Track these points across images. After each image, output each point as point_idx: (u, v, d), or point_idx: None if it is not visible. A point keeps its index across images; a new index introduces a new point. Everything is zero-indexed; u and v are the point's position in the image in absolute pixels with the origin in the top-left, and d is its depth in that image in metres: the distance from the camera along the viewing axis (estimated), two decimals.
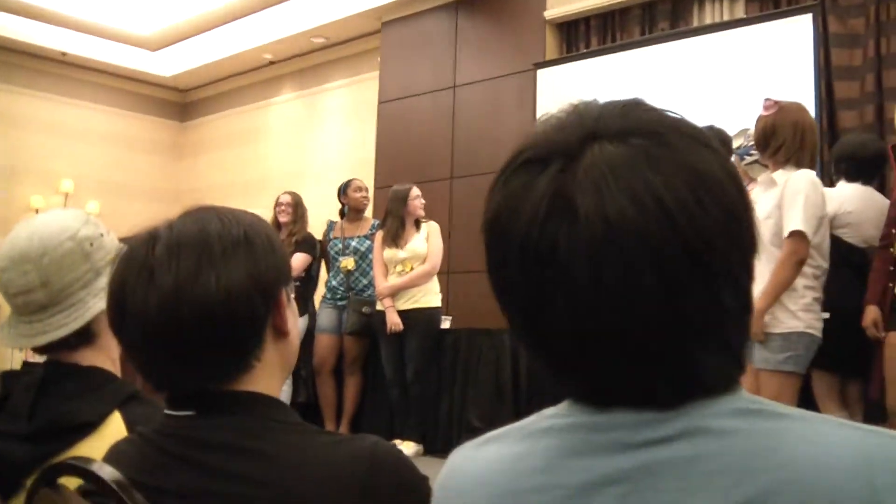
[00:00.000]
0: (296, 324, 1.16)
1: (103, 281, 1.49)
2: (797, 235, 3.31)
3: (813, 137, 3.54)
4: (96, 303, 1.49)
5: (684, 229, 0.65)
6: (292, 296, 1.15)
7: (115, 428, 1.36)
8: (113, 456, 1.09)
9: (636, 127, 0.69)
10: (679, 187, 0.66)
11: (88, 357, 1.49)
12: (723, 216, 0.67)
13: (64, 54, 9.67)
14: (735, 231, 0.69)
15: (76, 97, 10.13)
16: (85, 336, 1.49)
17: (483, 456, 0.80)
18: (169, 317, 1.01)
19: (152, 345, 1.04)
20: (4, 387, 1.47)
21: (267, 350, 1.09)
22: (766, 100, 3.59)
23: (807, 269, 3.36)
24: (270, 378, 1.10)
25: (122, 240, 1.64)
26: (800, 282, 3.35)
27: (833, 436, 0.66)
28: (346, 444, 1.04)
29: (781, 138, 3.50)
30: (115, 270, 1.08)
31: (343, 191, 6.28)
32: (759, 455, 0.65)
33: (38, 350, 1.51)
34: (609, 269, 0.65)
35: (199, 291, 1.01)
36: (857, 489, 0.62)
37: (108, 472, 0.96)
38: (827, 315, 3.48)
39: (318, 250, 6.23)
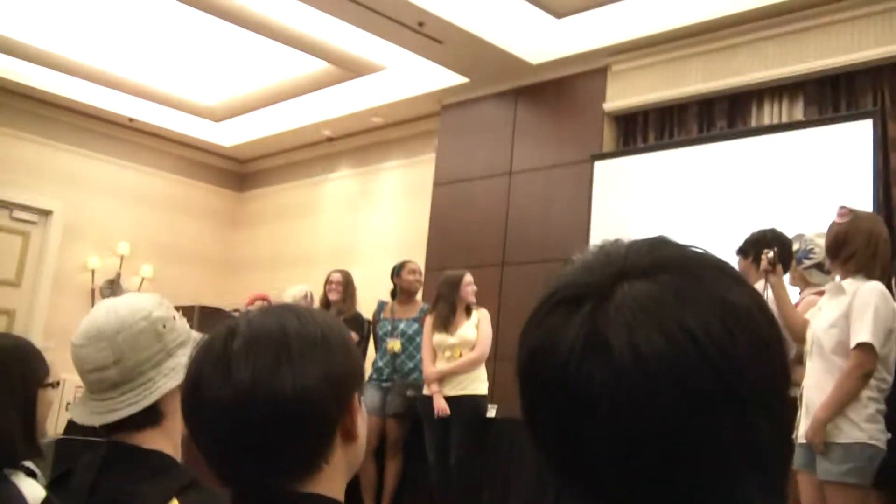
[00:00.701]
0: (364, 428, 1.15)
1: (173, 362, 1.53)
2: (865, 347, 3.27)
3: (886, 249, 3.50)
4: (165, 382, 1.52)
5: (715, 360, 0.65)
6: (364, 399, 1.15)
7: None
8: None
9: (663, 263, 0.71)
10: (708, 319, 0.66)
11: (152, 439, 1.51)
12: (754, 346, 0.67)
13: (131, 120, 9.94)
14: (767, 361, 0.68)
15: (139, 162, 10.36)
16: (152, 416, 1.52)
17: None
18: (243, 411, 1.02)
19: (223, 437, 1.05)
20: (62, 460, 1.49)
21: (335, 453, 1.08)
22: (841, 207, 3.56)
23: (871, 381, 3.30)
24: (335, 481, 1.09)
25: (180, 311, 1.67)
26: (864, 393, 3.30)
27: None
28: None
29: (853, 247, 3.46)
30: (193, 360, 1.09)
31: (397, 272, 6.29)
32: None
33: (106, 427, 1.54)
34: (644, 402, 0.65)
35: (275, 389, 1.02)
36: None
37: None
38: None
39: (366, 329, 6.23)
